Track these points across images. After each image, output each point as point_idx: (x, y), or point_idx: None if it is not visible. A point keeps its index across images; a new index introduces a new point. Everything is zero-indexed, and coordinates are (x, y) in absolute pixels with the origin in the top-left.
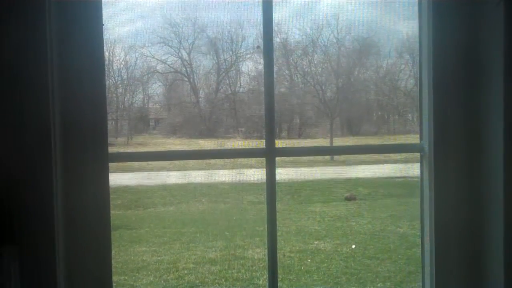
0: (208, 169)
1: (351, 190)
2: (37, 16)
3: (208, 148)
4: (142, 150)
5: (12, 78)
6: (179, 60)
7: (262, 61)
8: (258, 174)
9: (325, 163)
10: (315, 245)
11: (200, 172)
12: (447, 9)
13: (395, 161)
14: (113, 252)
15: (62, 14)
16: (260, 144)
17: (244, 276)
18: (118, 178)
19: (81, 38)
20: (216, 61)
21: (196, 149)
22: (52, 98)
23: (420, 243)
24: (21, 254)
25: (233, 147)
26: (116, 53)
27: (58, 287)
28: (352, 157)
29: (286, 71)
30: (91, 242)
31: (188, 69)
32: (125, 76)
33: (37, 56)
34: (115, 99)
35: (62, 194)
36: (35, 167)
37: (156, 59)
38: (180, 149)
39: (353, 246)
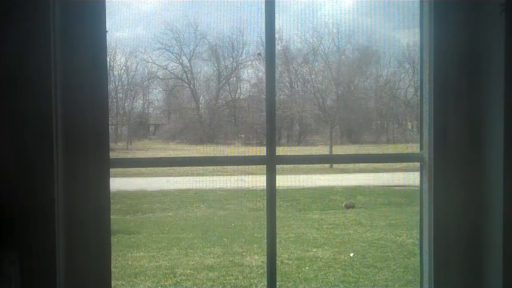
0: (207, 175)
1: (350, 198)
2: (41, 20)
3: (209, 155)
4: (142, 155)
5: (14, 82)
6: (180, 66)
7: (262, 68)
8: (257, 181)
9: (324, 171)
10: (313, 252)
11: (199, 178)
12: (448, 18)
13: (395, 170)
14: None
15: (66, 19)
16: (260, 150)
17: (242, 283)
18: (117, 183)
19: (84, 43)
20: (217, 67)
21: (198, 155)
22: (55, 103)
23: (418, 252)
24: (21, 258)
25: (234, 154)
26: (117, 58)
27: None
28: (352, 165)
29: (287, 79)
30: (91, 246)
31: (188, 75)
32: (125, 81)
33: (40, 60)
34: (115, 104)
35: (63, 199)
36: (37, 171)
37: (157, 65)
38: (181, 156)
39: (351, 254)
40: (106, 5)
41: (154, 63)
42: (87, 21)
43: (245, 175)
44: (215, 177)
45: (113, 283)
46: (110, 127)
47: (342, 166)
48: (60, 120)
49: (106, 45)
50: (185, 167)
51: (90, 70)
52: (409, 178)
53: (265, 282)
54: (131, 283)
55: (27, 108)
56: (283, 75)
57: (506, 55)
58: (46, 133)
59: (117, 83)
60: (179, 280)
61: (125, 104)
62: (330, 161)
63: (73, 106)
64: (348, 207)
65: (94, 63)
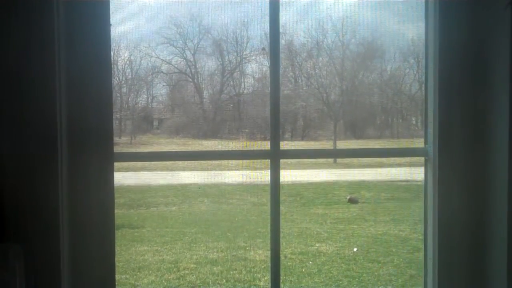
0: (211, 169)
1: (354, 193)
2: (45, 16)
3: (213, 149)
4: (146, 150)
5: (19, 78)
6: (184, 60)
7: (266, 63)
8: (261, 176)
9: (328, 166)
10: (316, 247)
11: (203, 172)
12: (453, 13)
13: (399, 165)
14: None
15: (70, 14)
16: (264, 145)
17: (246, 277)
18: (121, 177)
19: (88, 38)
20: (221, 62)
21: (202, 150)
22: (59, 98)
23: (422, 247)
24: (26, 253)
25: (238, 149)
26: (120, 53)
27: (62, 285)
28: (355, 160)
29: (291, 73)
30: (95, 241)
31: (192, 70)
32: (129, 76)
33: (45, 56)
34: (119, 98)
35: (68, 193)
36: (41, 166)
37: (161, 59)
38: (185, 150)
39: (355, 249)
40: None
41: (158, 58)
42: (91, 16)
43: (249, 169)
44: (218, 172)
45: (117, 276)
46: (114, 121)
47: (346, 160)
48: (64, 115)
49: (110, 40)
50: (189, 162)
51: (94, 65)
52: (413, 173)
53: (269, 277)
54: (135, 277)
55: (31, 103)
56: (287, 69)
57: (511, 50)
58: (50, 128)
59: (121, 77)
60: (182, 274)
61: (129, 99)
62: (334, 155)
63: (77, 100)
64: (352, 201)
65: (98, 58)
